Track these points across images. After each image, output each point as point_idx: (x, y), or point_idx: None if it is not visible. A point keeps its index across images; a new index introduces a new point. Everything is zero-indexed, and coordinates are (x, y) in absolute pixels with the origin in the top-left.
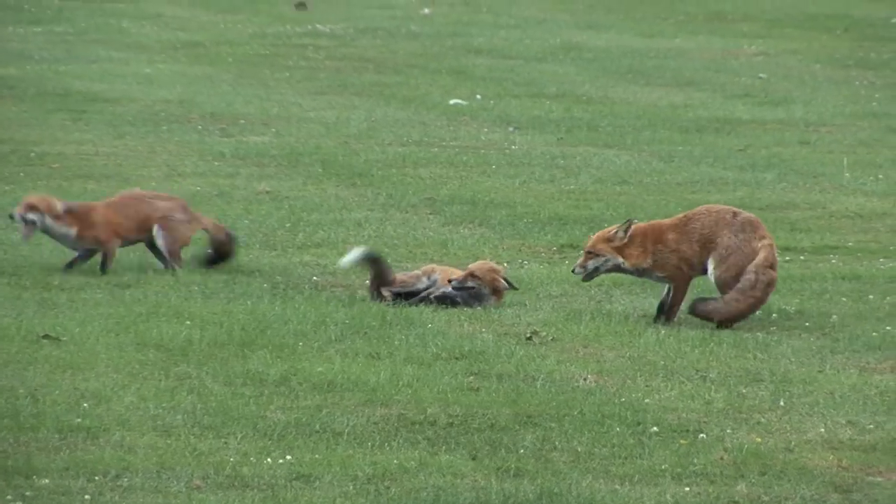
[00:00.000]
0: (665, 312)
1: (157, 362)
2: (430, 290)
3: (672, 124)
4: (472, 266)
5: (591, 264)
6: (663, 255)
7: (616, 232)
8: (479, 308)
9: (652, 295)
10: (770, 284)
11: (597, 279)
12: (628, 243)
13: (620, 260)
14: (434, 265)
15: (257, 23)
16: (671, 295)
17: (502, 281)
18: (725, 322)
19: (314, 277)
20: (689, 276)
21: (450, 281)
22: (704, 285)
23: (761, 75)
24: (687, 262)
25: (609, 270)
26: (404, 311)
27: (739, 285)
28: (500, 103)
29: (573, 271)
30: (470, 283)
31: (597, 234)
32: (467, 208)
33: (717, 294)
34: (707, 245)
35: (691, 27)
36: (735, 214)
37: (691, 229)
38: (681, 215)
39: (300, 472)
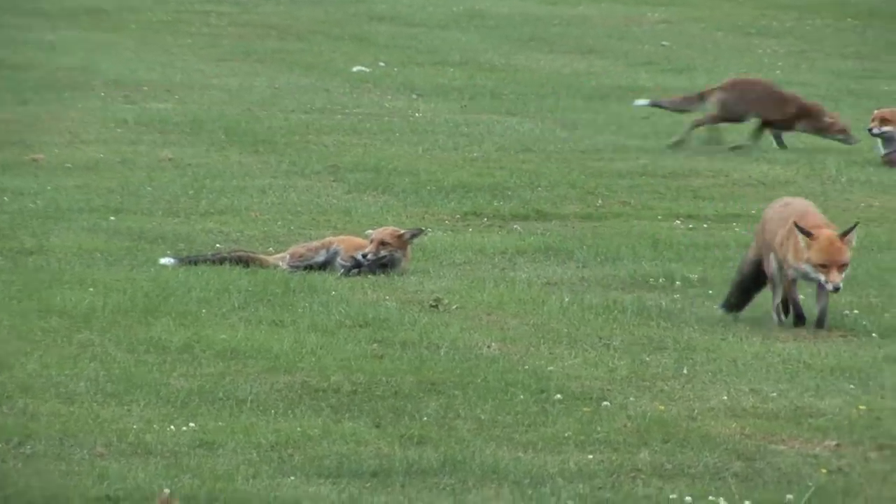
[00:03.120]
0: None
1: (59, 329)
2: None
3: (575, 92)
4: (376, 235)
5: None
6: None
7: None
8: (392, 273)
9: (555, 262)
10: None
11: (500, 246)
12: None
13: None
14: (331, 237)
15: None
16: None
17: (408, 236)
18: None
19: (217, 245)
20: None
21: (364, 256)
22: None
23: (664, 43)
24: None
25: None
26: (308, 279)
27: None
28: (404, 70)
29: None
30: (383, 253)
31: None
32: (371, 176)
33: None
34: None
35: None
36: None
37: None
38: None
39: (203, 439)
